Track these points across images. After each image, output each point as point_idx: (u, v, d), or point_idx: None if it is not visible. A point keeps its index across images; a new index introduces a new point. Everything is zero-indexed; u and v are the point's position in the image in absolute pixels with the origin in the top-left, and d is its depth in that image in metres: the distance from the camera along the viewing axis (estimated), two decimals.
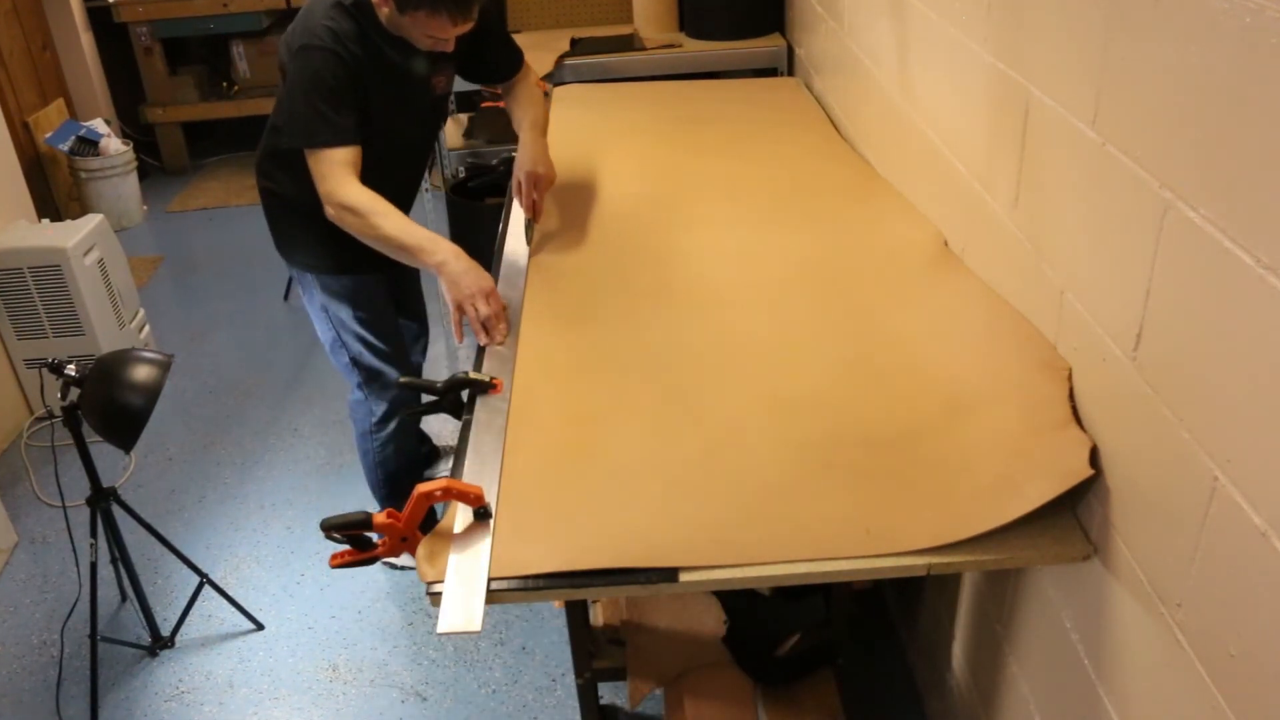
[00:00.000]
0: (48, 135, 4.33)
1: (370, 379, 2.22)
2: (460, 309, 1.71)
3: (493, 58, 2.13)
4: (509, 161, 2.37)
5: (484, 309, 1.69)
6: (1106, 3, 1.15)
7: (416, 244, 1.77)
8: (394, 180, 1.95)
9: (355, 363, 2.19)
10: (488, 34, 2.03)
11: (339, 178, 1.79)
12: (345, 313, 2.12)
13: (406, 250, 1.78)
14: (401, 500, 2.43)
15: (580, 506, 1.29)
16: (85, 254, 3.04)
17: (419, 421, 2.65)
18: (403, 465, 2.36)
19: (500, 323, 1.70)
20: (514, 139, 2.17)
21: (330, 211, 1.82)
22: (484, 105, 2.89)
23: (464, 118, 3.57)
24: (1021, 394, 1.34)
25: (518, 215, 2.14)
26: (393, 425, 2.27)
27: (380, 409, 2.25)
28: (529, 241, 2.03)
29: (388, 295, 2.20)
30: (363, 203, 1.78)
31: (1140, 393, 1.11)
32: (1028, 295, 1.44)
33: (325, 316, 2.15)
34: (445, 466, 2.59)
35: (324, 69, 1.79)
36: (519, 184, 2.04)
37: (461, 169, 3.24)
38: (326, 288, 2.11)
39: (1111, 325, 1.18)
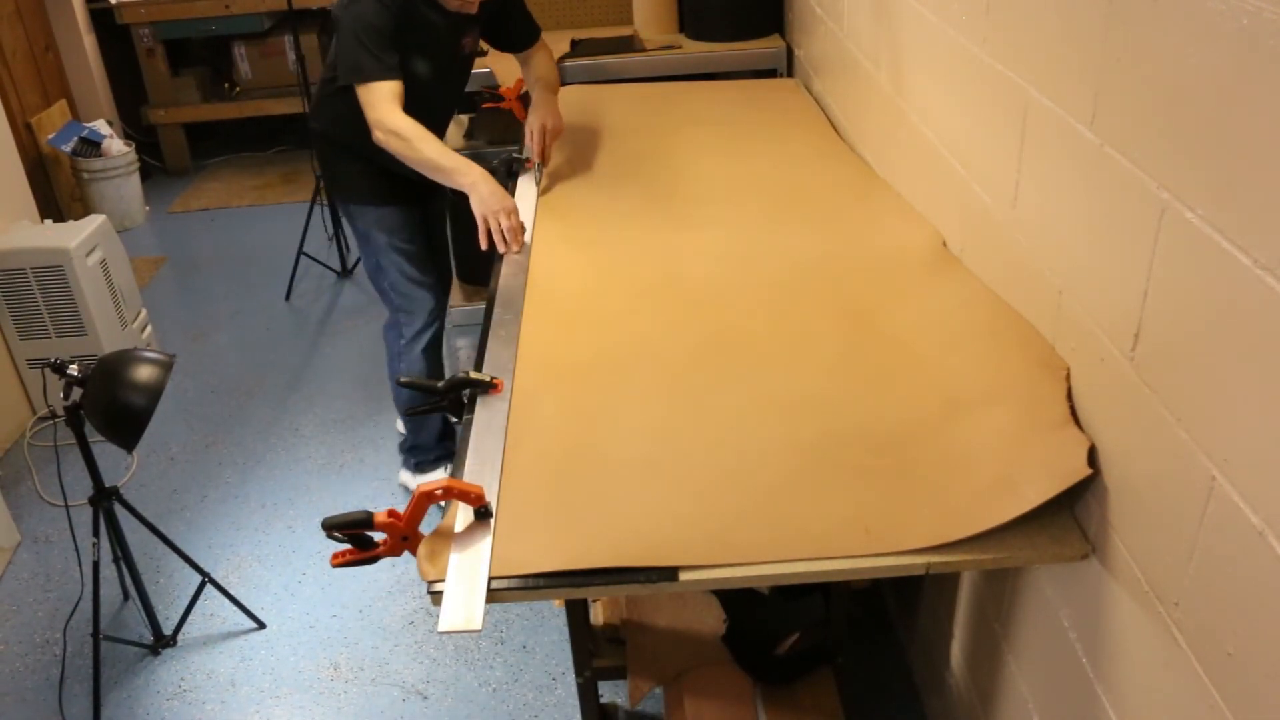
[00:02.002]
0: (50, 136, 4.34)
1: (401, 302, 2.49)
2: (486, 222, 2.03)
3: (514, 28, 2.45)
4: (510, 162, 2.45)
5: (505, 223, 2.02)
6: (1105, 4, 1.16)
7: (452, 166, 2.09)
8: (426, 123, 2.16)
9: (392, 287, 2.48)
10: (511, 6, 2.40)
11: (385, 107, 2.08)
12: (384, 239, 2.42)
13: (443, 171, 2.09)
14: (418, 423, 2.60)
15: (580, 506, 1.29)
16: (88, 254, 3.05)
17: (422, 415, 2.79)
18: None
19: (518, 234, 2.04)
20: (513, 141, 2.32)
21: (379, 136, 2.10)
22: (484, 106, 2.89)
23: (464, 119, 3.58)
24: (1020, 394, 1.34)
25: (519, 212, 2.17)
26: (419, 348, 2.51)
27: (410, 331, 2.50)
28: (537, 184, 2.31)
29: (421, 229, 2.49)
30: (406, 129, 2.08)
31: (1138, 392, 1.12)
32: (1026, 296, 1.44)
33: (368, 245, 2.46)
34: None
35: (370, 15, 2.08)
36: (532, 134, 2.37)
37: None
38: (369, 216, 2.41)
39: (1109, 325, 1.18)
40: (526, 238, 2.06)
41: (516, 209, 2.06)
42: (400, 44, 2.13)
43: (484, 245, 2.04)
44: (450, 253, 2.79)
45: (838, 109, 2.61)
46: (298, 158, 5.23)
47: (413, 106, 2.15)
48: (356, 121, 2.15)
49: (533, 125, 2.37)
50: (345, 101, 2.17)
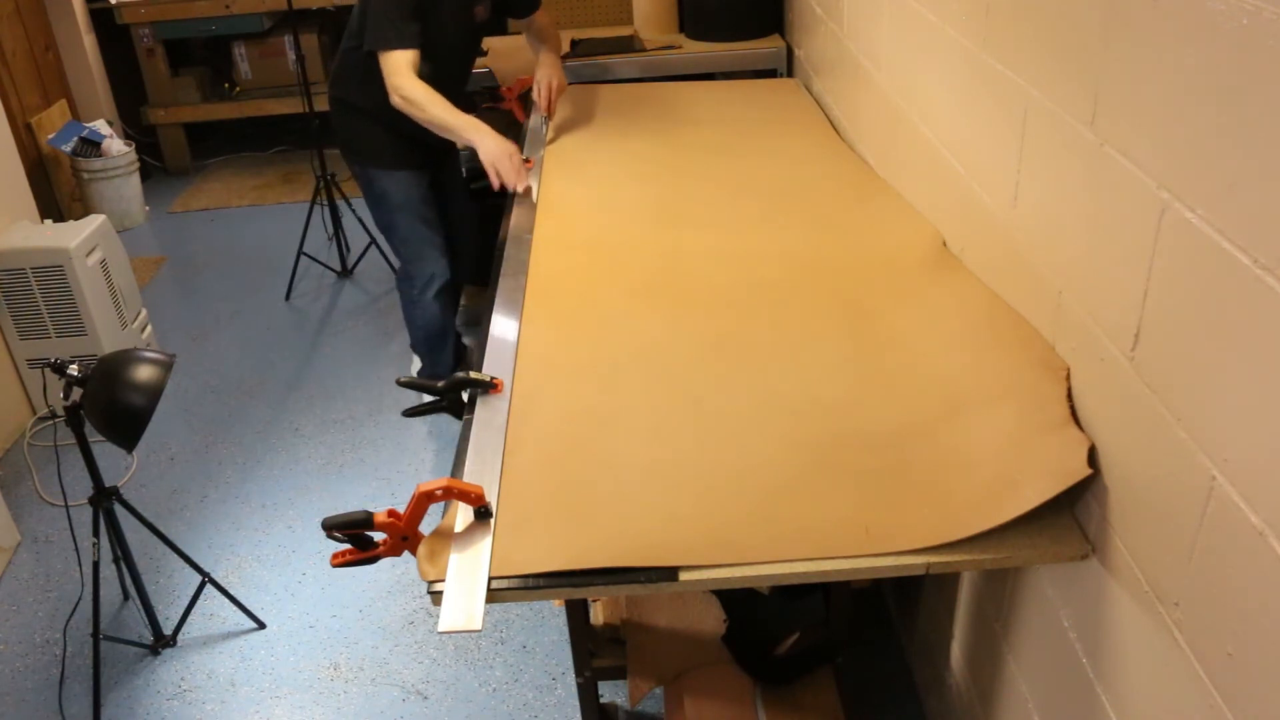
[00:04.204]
0: (50, 136, 4.34)
1: (412, 255, 2.75)
2: (495, 167, 2.32)
3: None
4: None
5: (511, 164, 2.32)
6: (1105, 4, 1.16)
7: (459, 124, 2.36)
8: (440, 89, 2.39)
9: (402, 243, 2.74)
10: None
11: (403, 74, 2.35)
12: (398, 199, 2.67)
13: (451, 129, 2.37)
14: (439, 356, 2.87)
15: (580, 506, 1.29)
16: (88, 254, 3.05)
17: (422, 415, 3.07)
18: (439, 328, 2.84)
19: (523, 173, 2.33)
20: (513, 138, 2.39)
21: (395, 100, 2.37)
22: (484, 106, 2.90)
23: None
24: (1020, 394, 1.34)
25: (519, 219, 2.18)
26: (430, 294, 2.76)
27: (420, 283, 2.76)
28: (545, 134, 2.62)
29: (430, 190, 2.73)
30: (419, 93, 2.35)
31: (1138, 392, 1.12)
32: (1026, 295, 1.44)
33: (383, 204, 2.70)
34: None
35: None
36: (539, 89, 2.69)
37: (463, 170, 3.24)
38: (383, 178, 2.66)
39: (1109, 325, 1.18)
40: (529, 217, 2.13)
41: (518, 152, 2.36)
42: (419, 13, 2.36)
43: (495, 187, 2.33)
44: (464, 229, 3.01)
45: (838, 109, 2.61)
46: (298, 158, 5.23)
47: (428, 73, 2.38)
48: (376, 87, 2.39)
49: (539, 81, 2.69)
50: (368, 69, 2.42)
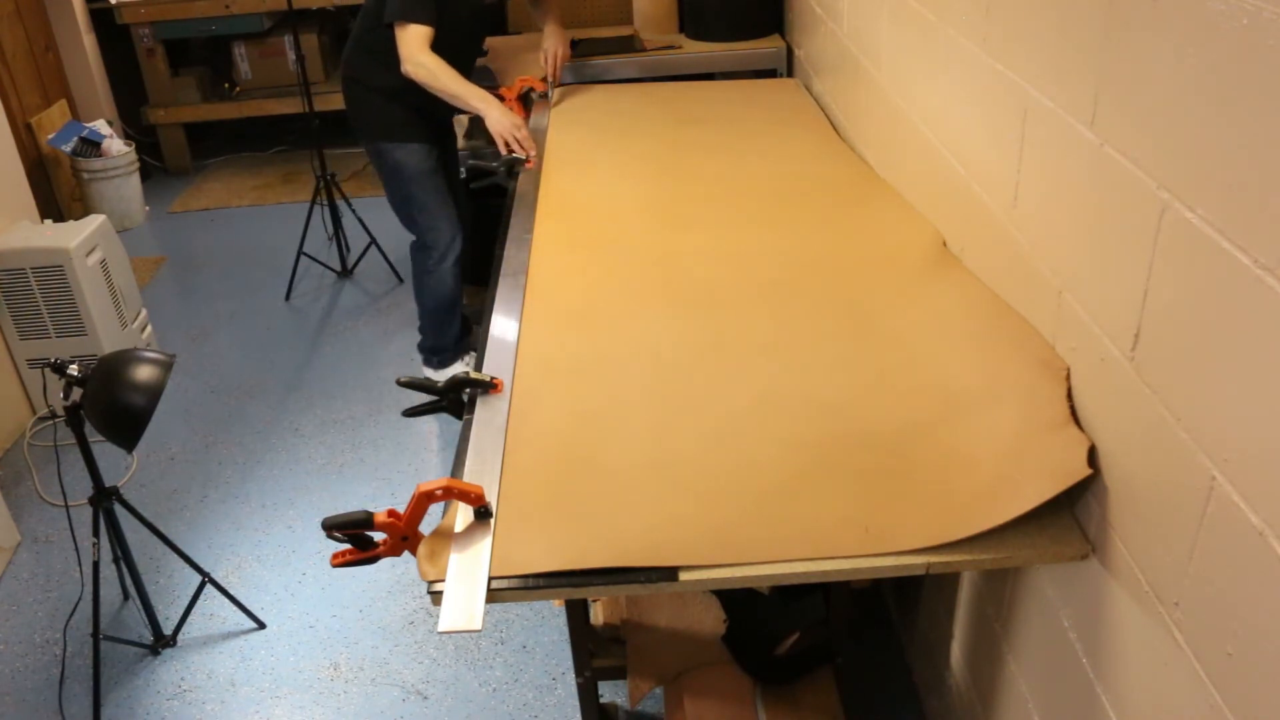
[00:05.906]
0: (50, 136, 4.34)
1: (430, 224, 2.88)
2: (502, 137, 2.52)
3: None
4: (511, 163, 2.48)
5: (519, 135, 2.52)
6: (1105, 4, 1.16)
7: (469, 93, 2.56)
8: (452, 64, 2.58)
9: (420, 211, 2.87)
10: None
11: (418, 45, 2.54)
12: (412, 170, 2.82)
13: (460, 99, 2.57)
14: (446, 330, 2.99)
15: (580, 506, 1.30)
16: (88, 254, 3.05)
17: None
18: (449, 300, 2.97)
19: (530, 144, 2.51)
20: None
21: (407, 69, 2.55)
22: None
23: (465, 119, 3.58)
24: (1020, 394, 1.34)
25: (519, 219, 2.17)
26: (448, 262, 2.89)
27: (438, 253, 2.89)
28: (550, 98, 2.88)
29: (440, 164, 2.88)
30: (431, 63, 2.55)
31: (1138, 392, 1.12)
32: (1026, 295, 1.44)
33: (399, 177, 2.84)
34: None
35: None
36: (546, 57, 2.93)
37: (463, 170, 3.24)
38: (395, 151, 2.80)
39: (1109, 325, 1.18)
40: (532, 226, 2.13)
41: (523, 124, 2.55)
42: None
43: (504, 153, 2.51)
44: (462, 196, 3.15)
45: (838, 109, 2.61)
46: (298, 158, 5.23)
47: (440, 48, 2.55)
48: (389, 66, 2.58)
49: (546, 49, 2.93)
50: (382, 49, 2.60)
